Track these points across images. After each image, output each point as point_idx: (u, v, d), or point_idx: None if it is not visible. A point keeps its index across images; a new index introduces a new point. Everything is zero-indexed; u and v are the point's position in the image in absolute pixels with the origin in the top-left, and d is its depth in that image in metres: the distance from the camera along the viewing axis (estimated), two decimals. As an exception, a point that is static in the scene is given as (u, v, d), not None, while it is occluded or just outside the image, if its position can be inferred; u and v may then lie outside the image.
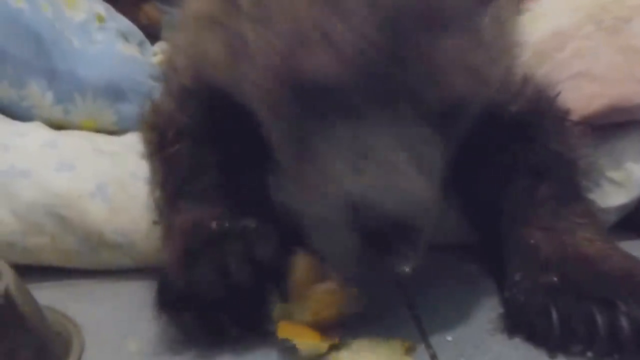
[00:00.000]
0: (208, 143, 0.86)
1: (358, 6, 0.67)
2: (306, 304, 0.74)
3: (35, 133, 1.03)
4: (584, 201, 0.85)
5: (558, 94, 0.90)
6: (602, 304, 0.71)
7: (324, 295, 0.74)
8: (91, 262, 0.95)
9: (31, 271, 0.90)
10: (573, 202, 0.83)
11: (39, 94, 1.12)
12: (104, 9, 1.24)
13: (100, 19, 1.20)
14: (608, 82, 0.97)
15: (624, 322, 0.69)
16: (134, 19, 1.36)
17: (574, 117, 0.93)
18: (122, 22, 1.25)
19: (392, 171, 0.68)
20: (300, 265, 0.76)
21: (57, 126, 1.11)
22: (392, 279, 0.81)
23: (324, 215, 0.69)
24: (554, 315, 0.72)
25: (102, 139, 1.08)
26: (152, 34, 1.38)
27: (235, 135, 0.83)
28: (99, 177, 0.95)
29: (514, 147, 0.85)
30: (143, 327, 0.77)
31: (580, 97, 0.96)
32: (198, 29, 0.83)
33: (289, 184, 0.74)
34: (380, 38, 0.67)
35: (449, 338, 0.76)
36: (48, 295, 0.82)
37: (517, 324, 0.76)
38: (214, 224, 0.75)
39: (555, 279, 0.75)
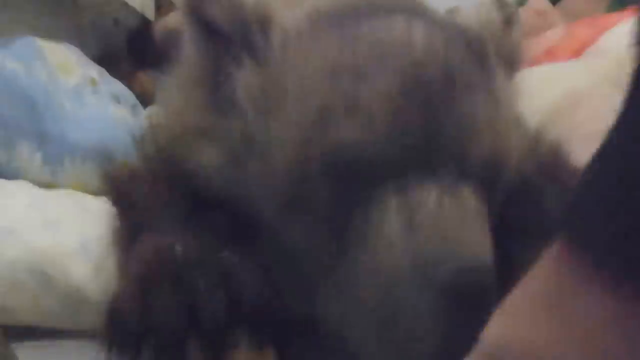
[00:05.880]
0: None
1: (378, 72, 0.66)
2: None
3: (21, 193, 1.03)
4: None
5: (569, 155, 0.85)
6: None
7: None
8: (72, 322, 0.93)
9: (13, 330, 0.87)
10: None
11: (27, 155, 1.12)
12: (97, 73, 1.25)
13: (94, 82, 1.22)
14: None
15: None
16: (128, 87, 1.37)
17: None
18: (115, 85, 1.27)
19: (451, 224, 0.63)
20: None
21: (45, 187, 1.10)
22: None
23: (390, 296, 0.62)
24: None
25: (89, 199, 1.08)
26: (145, 103, 1.39)
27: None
28: (83, 235, 0.95)
29: (507, 209, 0.79)
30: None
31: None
32: (186, 141, 0.76)
33: (331, 290, 0.67)
34: (409, 99, 0.65)
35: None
36: (29, 354, 0.80)
37: None
38: (179, 249, 0.64)
39: None
